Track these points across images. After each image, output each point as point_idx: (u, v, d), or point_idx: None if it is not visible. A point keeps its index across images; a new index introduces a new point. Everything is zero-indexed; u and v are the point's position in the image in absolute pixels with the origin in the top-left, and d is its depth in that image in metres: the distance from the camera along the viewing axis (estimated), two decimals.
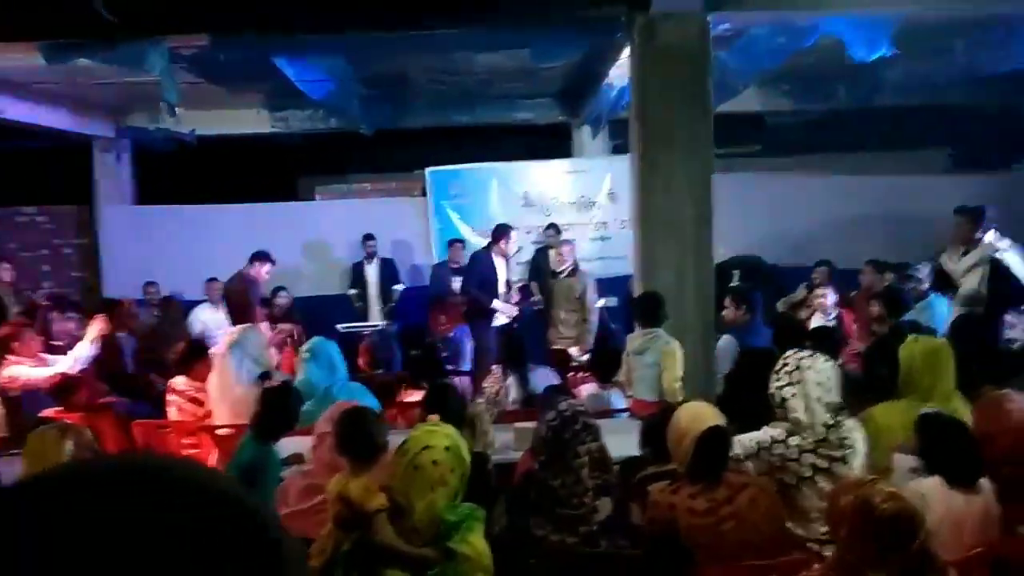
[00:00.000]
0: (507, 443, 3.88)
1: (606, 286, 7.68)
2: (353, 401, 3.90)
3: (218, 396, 4.64)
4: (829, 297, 6.31)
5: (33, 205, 9.69)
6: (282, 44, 6.05)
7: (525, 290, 7.69)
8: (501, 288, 7.20)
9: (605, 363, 4.99)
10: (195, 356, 5.07)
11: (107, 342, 5.64)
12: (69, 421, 3.60)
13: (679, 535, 2.58)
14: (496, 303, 6.97)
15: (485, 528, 2.43)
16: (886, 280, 6.60)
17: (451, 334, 6.95)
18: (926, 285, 5.63)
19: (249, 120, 9.02)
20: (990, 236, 5.34)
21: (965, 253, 5.41)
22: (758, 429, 3.04)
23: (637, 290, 5.22)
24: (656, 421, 3.10)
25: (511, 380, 4.81)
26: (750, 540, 2.58)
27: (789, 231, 8.99)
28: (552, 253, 7.46)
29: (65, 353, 5.37)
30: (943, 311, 5.43)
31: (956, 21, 6.27)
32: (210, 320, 7.85)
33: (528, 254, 8.28)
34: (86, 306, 7.12)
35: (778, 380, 3.01)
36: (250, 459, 3.32)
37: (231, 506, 0.50)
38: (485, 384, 4.95)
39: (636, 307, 4.87)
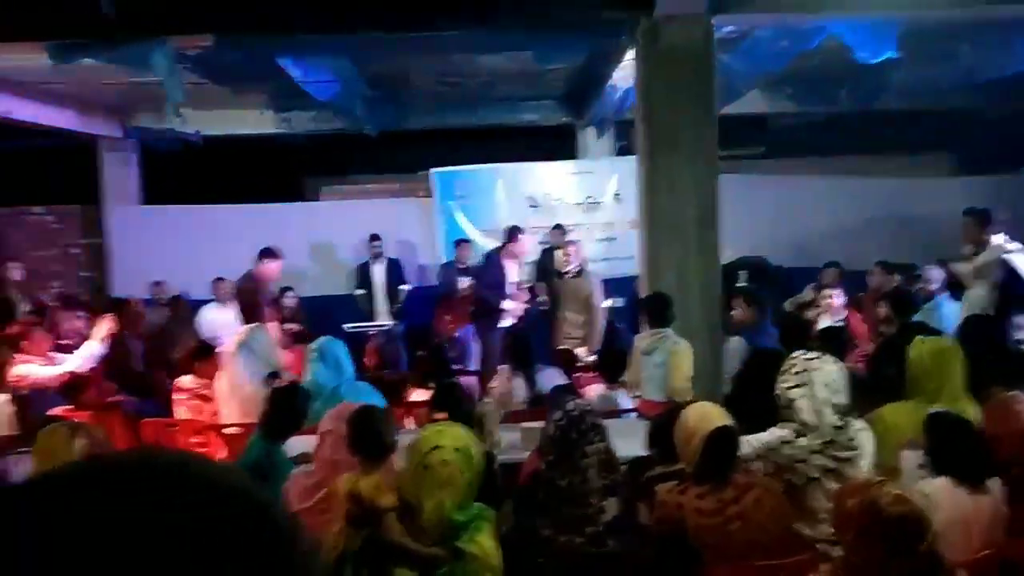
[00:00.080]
0: (514, 443, 3.89)
1: (612, 287, 7.68)
2: (358, 401, 3.93)
3: (226, 395, 4.65)
4: (837, 298, 6.31)
5: (41, 205, 9.73)
6: (286, 45, 6.07)
7: (531, 291, 7.70)
8: (508, 289, 7.20)
9: (612, 363, 5.00)
10: (201, 355, 5.10)
11: (116, 341, 5.66)
12: (78, 419, 3.61)
13: (687, 535, 2.59)
14: (505, 303, 6.98)
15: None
16: (894, 281, 6.60)
17: (457, 334, 6.96)
18: (934, 286, 5.62)
19: (254, 121, 9.05)
20: (999, 238, 5.33)
21: (974, 254, 5.40)
22: (766, 430, 3.04)
23: (643, 291, 5.22)
24: (663, 421, 3.11)
25: (518, 380, 4.82)
26: (757, 540, 2.59)
27: (794, 233, 8.99)
28: (558, 254, 7.47)
29: (73, 352, 5.40)
30: (951, 313, 5.42)
31: (960, 24, 6.26)
32: (217, 319, 7.87)
33: (534, 255, 8.29)
34: (94, 305, 7.14)
35: (785, 381, 3.02)
36: (258, 458, 3.33)
37: (242, 502, 0.49)
38: (492, 384, 4.96)
39: (644, 307, 4.88)
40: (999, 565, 2.53)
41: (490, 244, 8.48)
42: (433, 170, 9.30)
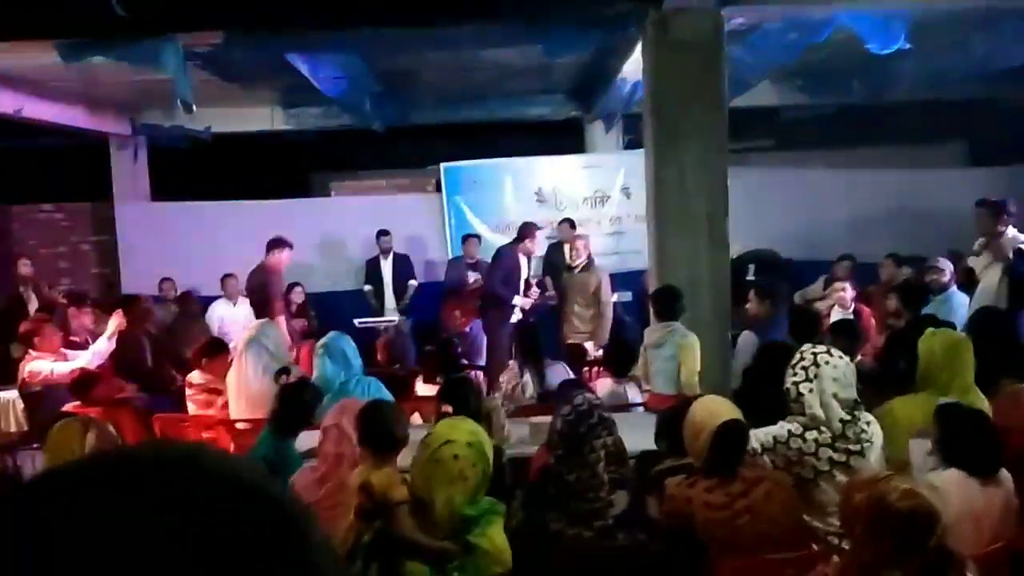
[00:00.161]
0: (523, 438, 3.89)
1: (620, 281, 7.66)
2: (367, 396, 3.94)
3: (236, 390, 4.67)
4: (848, 291, 6.28)
5: (51, 202, 9.78)
6: (295, 41, 6.07)
7: (539, 285, 7.69)
8: (521, 285, 7.19)
9: (620, 357, 4.99)
10: (212, 352, 5.12)
11: (127, 337, 5.69)
12: (90, 415, 3.63)
13: (695, 529, 2.58)
14: (516, 299, 6.96)
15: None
16: (904, 274, 6.56)
17: (467, 329, 6.96)
18: (947, 278, 5.58)
19: (263, 117, 9.06)
20: (1011, 231, 5.28)
21: (986, 246, 5.34)
22: (775, 424, 3.04)
23: (652, 285, 5.21)
24: (672, 415, 3.10)
25: (527, 377, 4.82)
26: (766, 533, 2.58)
27: (804, 225, 8.94)
28: (566, 248, 7.46)
29: (84, 348, 5.43)
30: (962, 305, 5.38)
31: (972, 13, 6.20)
32: (226, 316, 7.91)
33: (542, 249, 8.28)
34: (104, 302, 7.18)
35: (794, 375, 3.00)
36: (268, 454, 3.36)
37: (254, 494, 0.49)
38: (501, 379, 4.95)
39: (654, 300, 4.87)
40: (1010, 557, 2.52)
41: (498, 239, 8.47)
42: (442, 165, 9.32)
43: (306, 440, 3.63)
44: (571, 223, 7.96)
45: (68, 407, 4.52)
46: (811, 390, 2.94)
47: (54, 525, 0.45)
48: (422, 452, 2.41)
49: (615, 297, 7.24)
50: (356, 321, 7.85)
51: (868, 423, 2.98)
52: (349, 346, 4.48)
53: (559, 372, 4.90)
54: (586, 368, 6.08)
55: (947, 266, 5.67)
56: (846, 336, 4.50)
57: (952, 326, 4.07)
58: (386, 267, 8.62)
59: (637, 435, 3.30)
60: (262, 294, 6.13)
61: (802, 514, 2.80)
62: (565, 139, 9.87)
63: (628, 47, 6.15)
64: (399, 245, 8.82)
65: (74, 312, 6.18)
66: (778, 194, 8.92)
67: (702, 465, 2.69)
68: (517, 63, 7.41)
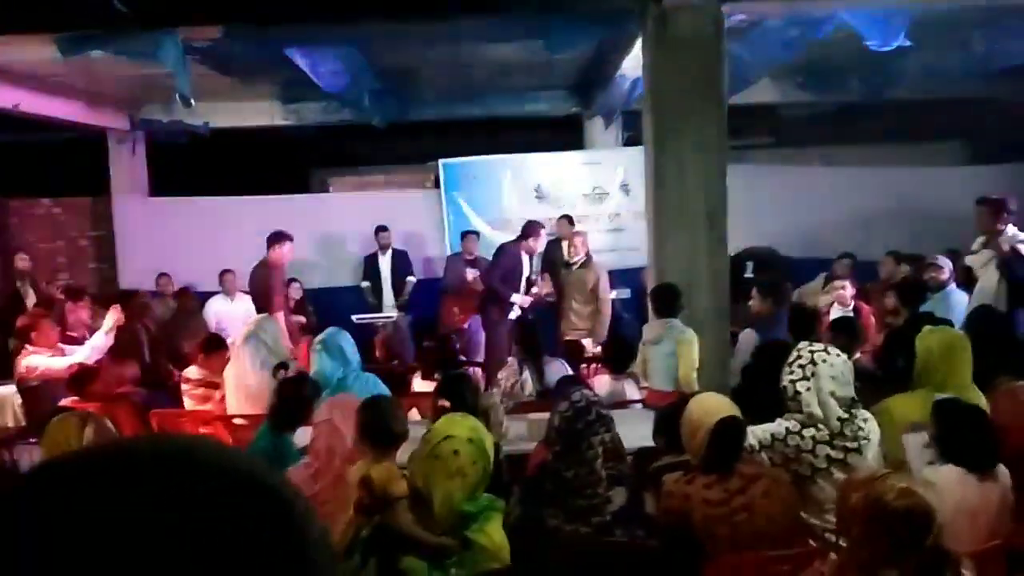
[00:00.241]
0: (520, 434, 3.89)
1: (619, 278, 7.66)
2: (365, 392, 3.94)
3: (234, 385, 4.67)
4: (848, 289, 6.29)
5: (49, 197, 9.76)
6: (295, 36, 6.06)
7: (530, 282, 7.68)
8: (522, 284, 7.17)
9: (618, 354, 4.99)
10: (211, 348, 5.11)
11: (125, 332, 5.68)
12: (88, 410, 3.62)
13: (692, 526, 2.58)
14: (515, 297, 6.95)
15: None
16: (903, 272, 6.57)
17: (465, 325, 6.95)
18: (946, 275, 5.58)
19: (262, 112, 9.04)
20: (1012, 229, 5.28)
21: (986, 244, 5.34)
22: (773, 421, 3.04)
23: (651, 282, 5.21)
24: (670, 411, 3.10)
25: (527, 374, 4.82)
26: (764, 530, 2.58)
27: (803, 223, 8.95)
28: (565, 244, 7.45)
29: (82, 343, 5.42)
30: (960, 303, 5.38)
31: (973, 11, 6.20)
32: (223, 311, 7.90)
33: (542, 246, 8.26)
34: (102, 297, 7.17)
35: (791, 373, 3.00)
36: (266, 449, 3.36)
37: (252, 486, 0.49)
38: (500, 376, 4.95)
39: (653, 297, 4.87)
40: (1006, 555, 2.52)
41: (496, 235, 8.47)
42: (441, 161, 9.31)
43: (305, 436, 3.63)
44: (570, 219, 7.95)
45: (65, 402, 4.51)
46: (808, 388, 2.94)
47: (54, 519, 0.44)
48: (422, 447, 2.41)
49: (614, 294, 7.24)
50: (354, 317, 7.85)
51: (865, 421, 2.98)
52: (347, 342, 4.47)
53: (557, 369, 4.91)
54: (584, 364, 6.08)
55: (946, 264, 5.67)
56: (845, 334, 4.51)
57: (950, 324, 4.07)
58: (384, 263, 8.61)
59: (635, 432, 3.30)
60: (263, 289, 6.13)
61: (800, 511, 2.80)
62: (564, 135, 9.86)
63: (628, 43, 6.14)
64: (398, 241, 8.81)
65: (71, 307, 6.17)
66: (777, 191, 8.91)
67: (700, 462, 2.69)
68: (517, 59, 7.40)
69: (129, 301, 6.37)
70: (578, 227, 7.89)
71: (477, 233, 8.53)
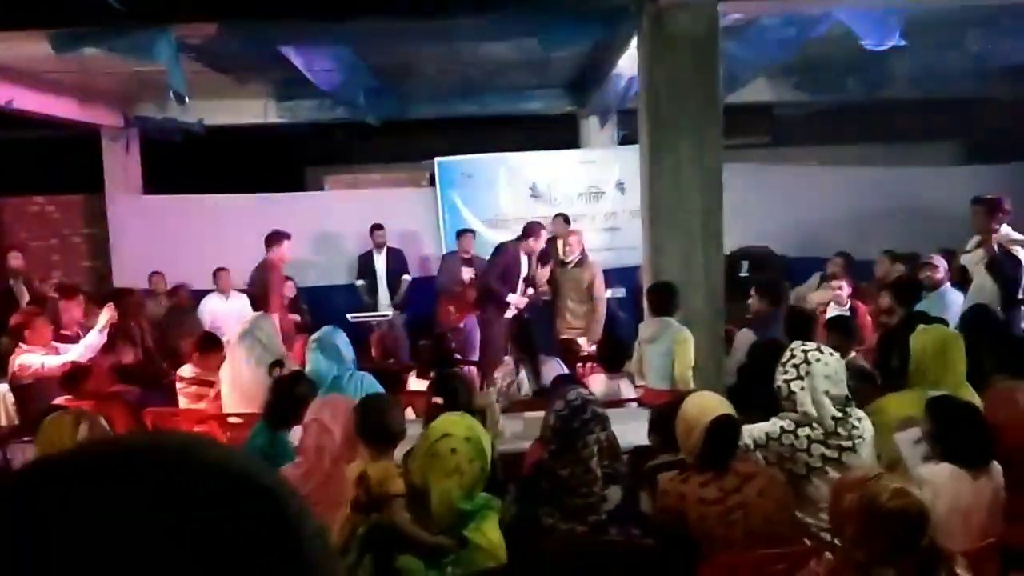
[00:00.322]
0: (516, 432, 3.89)
1: (615, 277, 7.66)
2: (360, 391, 3.94)
3: (229, 382, 4.67)
4: (844, 288, 6.30)
5: (42, 194, 9.72)
6: (289, 34, 6.04)
7: (527, 281, 7.68)
8: (521, 284, 7.16)
9: (613, 353, 4.99)
10: (206, 346, 5.10)
11: (119, 330, 5.67)
12: (82, 408, 3.61)
13: (687, 525, 2.58)
14: (511, 296, 6.94)
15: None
16: (899, 271, 6.58)
17: (461, 324, 6.94)
18: (941, 274, 5.59)
19: (256, 110, 9.01)
20: (1006, 229, 5.30)
21: (979, 244, 5.36)
22: (768, 420, 3.04)
23: (646, 281, 5.21)
24: (665, 410, 3.10)
25: (523, 373, 4.82)
26: (759, 529, 2.58)
27: (800, 222, 8.96)
28: (560, 243, 7.45)
29: (75, 342, 5.40)
30: (955, 302, 5.40)
31: (968, 11, 6.21)
32: (218, 310, 7.88)
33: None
34: (96, 295, 7.15)
35: (785, 373, 3.01)
36: (262, 447, 3.35)
37: (247, 485, 0.49)
38: (497, 375, 4.95)
39: (649, 296, 4.87)
40: (1000, 553, 2.53)
41: (492, 234, 8.46)
42: (436, 159, 9.30)
43: (294, 436, 3.63)
44: (565, 218, 7.95)
45: (59, 400, 4.50)
46: (803, 388, 2.95)
47: (49, 518, 0.44)
48: (420, 445, 2.40)
49: (609, 293, 7.24)
50: (349, 316, 7.83)
51: (859, 419, 2.99)
52: (342, 341, 4.45)
53: (553, 368, 4.91)
54: (580, 363, 6.08)
55: (941, 263, 5.69)
56: (841, 333, 4.51)
57: (944, 323, 4.08)
58: (380, 262, 8.60)
59: (630, 430, 3.30)
60: (258, 287, 6.12)
61: (795, 510, 2.81)
62: (560, 134, 9.86)
63: (624, 42, 6.13)
64: (393, 240, 8.80)
65: (65, 305, 6.14)
66: (773, 191, 8.92)
67: (695, 460, 2.69)
68: (512, 57, 7.39)
69: (123, 299, 6.34)
70: (574, 226, 7.89)
71: (473, 232, 8.52)
